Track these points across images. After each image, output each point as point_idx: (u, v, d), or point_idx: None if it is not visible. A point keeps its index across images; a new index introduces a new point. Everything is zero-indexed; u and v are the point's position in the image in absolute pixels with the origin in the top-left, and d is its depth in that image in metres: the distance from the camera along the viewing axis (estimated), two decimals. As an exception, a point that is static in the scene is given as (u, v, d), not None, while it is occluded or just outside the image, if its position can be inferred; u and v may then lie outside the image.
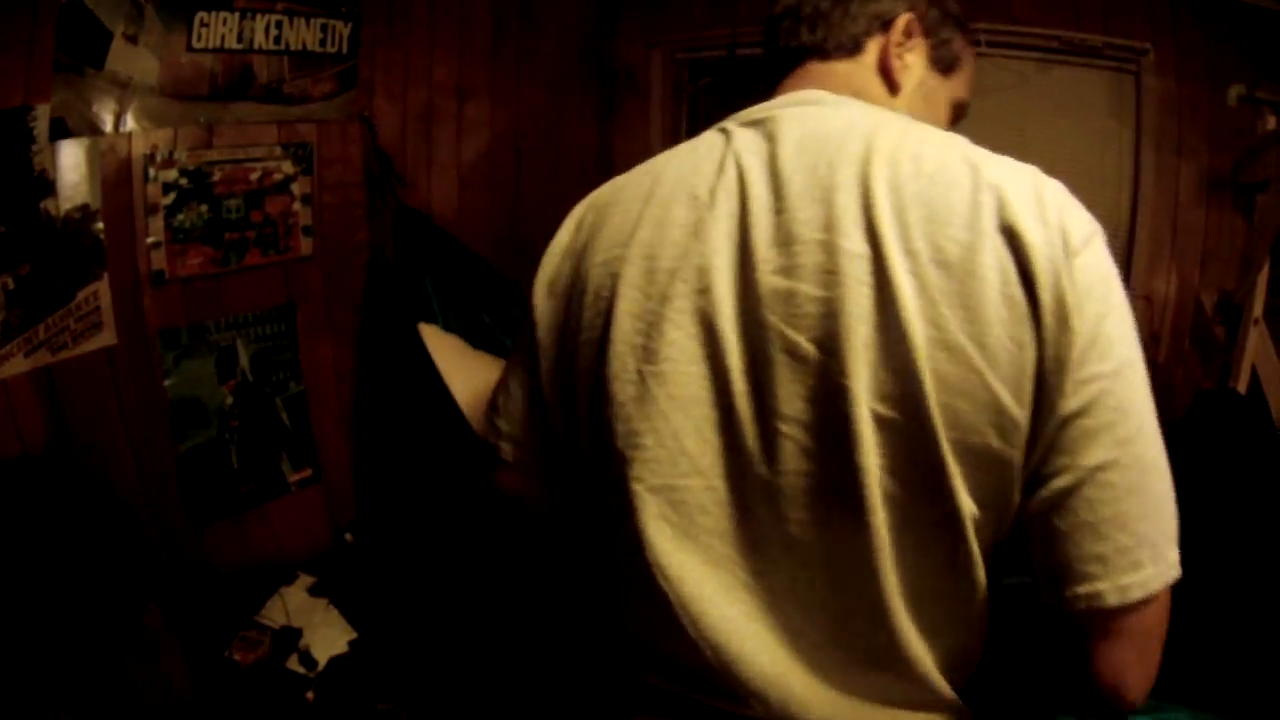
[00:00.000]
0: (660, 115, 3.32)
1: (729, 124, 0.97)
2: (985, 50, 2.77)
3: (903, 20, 0.96)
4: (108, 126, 1.97)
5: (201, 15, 2.08)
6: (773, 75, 1.04)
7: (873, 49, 0.97)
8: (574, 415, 0.94)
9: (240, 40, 2.19)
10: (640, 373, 0.83)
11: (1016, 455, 0.72)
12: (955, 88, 1.03)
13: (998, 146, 2.88)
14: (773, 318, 0.77)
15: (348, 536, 2.59)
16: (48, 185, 1.86)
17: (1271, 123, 2.32)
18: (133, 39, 1.95)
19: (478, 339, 2.53)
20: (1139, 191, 2.73)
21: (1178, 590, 0.74)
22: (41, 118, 1.82)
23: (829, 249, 0.75)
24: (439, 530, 2.44)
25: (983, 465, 0.72)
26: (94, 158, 1.95)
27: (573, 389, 0.93)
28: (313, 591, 2.41)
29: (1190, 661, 1.17)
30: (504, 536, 2.40)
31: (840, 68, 0.97)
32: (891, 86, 0.97)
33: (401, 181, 2.61)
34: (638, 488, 0.83)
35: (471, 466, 2.33)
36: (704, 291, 0.81)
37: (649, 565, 0.82)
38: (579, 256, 0.95)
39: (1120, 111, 2.77)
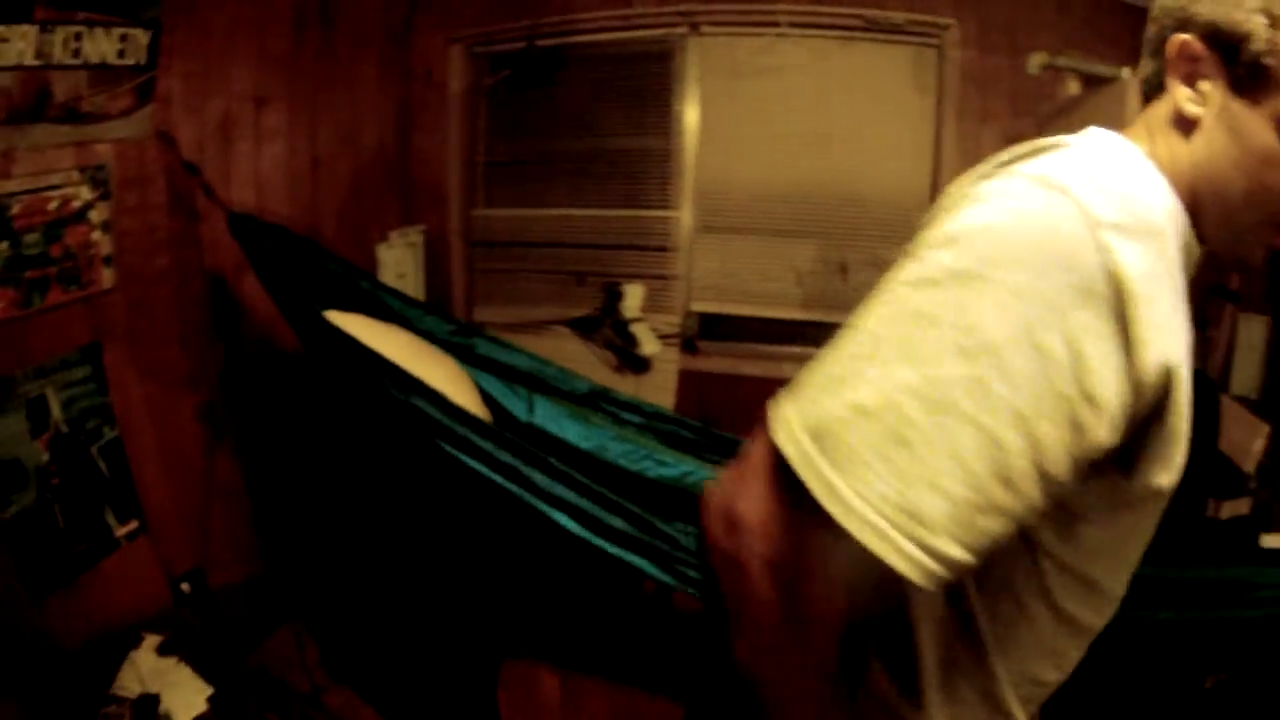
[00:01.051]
0: (459, 112, 3.32)
1: None
2: (786, 31, 3.02)
3: (1174, 44, 0.78)
4: (-100, 162, 1.69)
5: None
6: None
7: (1171, 83, 0.80)
8: None
9: (39, 56, 1.95)
10: None
11: None
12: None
13: (799, 123, 3.18)
14: None
15: (184, 587, 2.41)
16: None
17: (1075, 87, 2.54)
18: (-73, 60, 1.69)
19: (361, 305, 2.38)
20: (940, 159, 3.06)
21: None
22: None
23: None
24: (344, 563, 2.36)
25: None
26: (-110, 200, 1.67)
27: None
28: (161, 651, 2.23)
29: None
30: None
31: (1146, 112, 0.83)
32: (1182, 125, 0.79)
33: (211, 193, 2.43)
34: None
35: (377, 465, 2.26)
36: None
37: None
38: None
39: (922, 84, 3.06)
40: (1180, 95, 0.78)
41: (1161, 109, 0.80)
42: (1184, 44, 0.77)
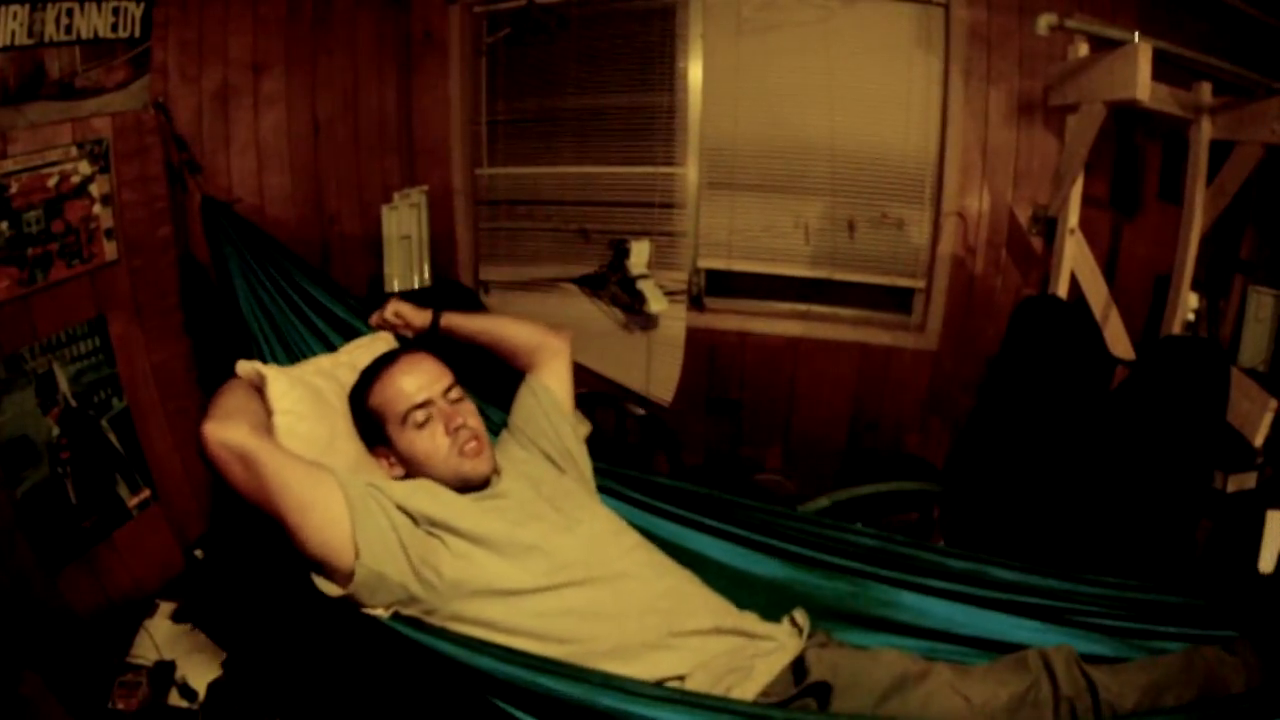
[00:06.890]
0: (460, 71, 3.28)
1: None
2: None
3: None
4: (-105, 148, 1.70)
5: (-10, 11, 1.82)
6: None
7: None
8: None
9: (31, 34, 1.94)
10: None
11: None
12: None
13: (803, 80, 3.17)
14: None
15: (197, 554, 2.46)
16: None
17: (1084, 49, 2.48)
18: (-82, 46, 1.68)
19: (297, 341, 2.26)
20: (947, 118, 3.01)
21: None
22: None
23: None
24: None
25: None
26: (-113, 187, 1.68)
27: None
28: (175, 618, 2.29)
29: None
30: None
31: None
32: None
33: (196, 169, 2.41)
34: None
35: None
36: None
37: None
38: None
39: (928, 43, 3.01)
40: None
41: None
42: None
